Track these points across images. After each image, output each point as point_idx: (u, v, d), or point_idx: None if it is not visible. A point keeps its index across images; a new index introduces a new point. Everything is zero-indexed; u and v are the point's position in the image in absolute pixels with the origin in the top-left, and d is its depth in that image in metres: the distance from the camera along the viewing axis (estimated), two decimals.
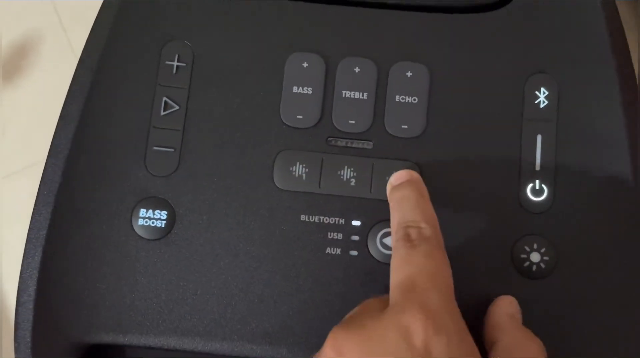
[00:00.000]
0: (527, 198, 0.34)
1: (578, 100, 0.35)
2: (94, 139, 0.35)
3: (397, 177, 0.33)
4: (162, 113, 0.35)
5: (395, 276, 0.29)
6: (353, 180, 0.34)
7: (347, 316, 0.30)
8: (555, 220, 0.33)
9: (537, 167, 0.34)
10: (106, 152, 0.35)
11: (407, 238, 0.29)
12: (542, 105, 0.35)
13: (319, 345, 0.32)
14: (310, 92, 0.35)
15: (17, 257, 0.34)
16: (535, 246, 0.33)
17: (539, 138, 0.34)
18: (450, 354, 0.26)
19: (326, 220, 0.34)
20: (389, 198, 0.33)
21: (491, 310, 0.32)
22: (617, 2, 0.36)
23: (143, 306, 0.33)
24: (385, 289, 0.33)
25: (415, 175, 0.33)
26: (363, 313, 0.29)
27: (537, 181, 0.34)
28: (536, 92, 0.35)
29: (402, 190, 0.32)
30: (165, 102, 0.35)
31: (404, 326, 0.26)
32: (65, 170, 0.34)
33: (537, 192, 0.34)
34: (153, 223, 0.34)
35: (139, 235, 0.34)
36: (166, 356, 0.35)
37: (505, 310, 0.32)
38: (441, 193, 0.34)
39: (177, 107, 0.35)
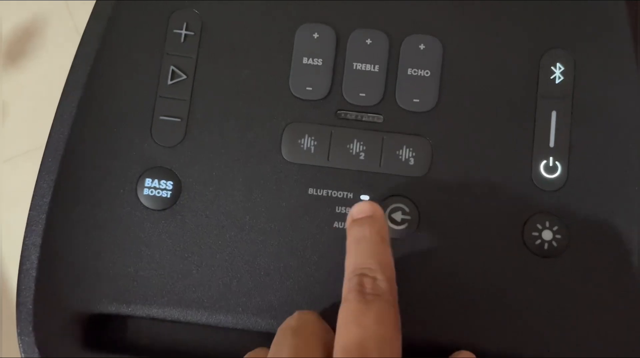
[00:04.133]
0: (540, 175, 0.33)
1: (595, 76, 0.34)
2: (99, 108, 0.34)
3: (359, 210, 0.31)
4: (169, 82, 0.35)
5: (344, 336, 0.27)
6: (362, 154, 0.34)
7: None
8: (568, 198, 0.33)
9: (551, 144, 0.33)
10: (112, 121, 0.34)
11: (360, 290, 0.28)
12: (557, 81, 0.34)
13: (326, 320, 0.32)
14: (320, 64, 0.35)
15: (18, 240, 0.34)
16: (547, 224, 0.32)
17: (554, 114, 0.34)
18: None
19: (334, 194, 0.33)
20: (347, 232, 0.31)
21: None
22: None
23: (147, 277, 0.33)
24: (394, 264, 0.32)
25: (378, 211, 0.31)
26: None
27: (551, 158, 0.33)
28: (552, 68, 0.34)
29: (363, 228, 0.30)
30: (173, 71, 0.35)
31: None
32: (70, 138, 0.34)
33: (551, 169, 0.33)
34: (159, 193, 0.33)
35: (144, 205, 0.33)
36: (169, 329, 0.34)
37: None
38: (452, 169, 0.33)
39: (184, 77, 0.35)
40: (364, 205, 0.31)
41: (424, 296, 0.32)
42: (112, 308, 0.32)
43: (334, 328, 0.28)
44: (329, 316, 0.32)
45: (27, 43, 0.89)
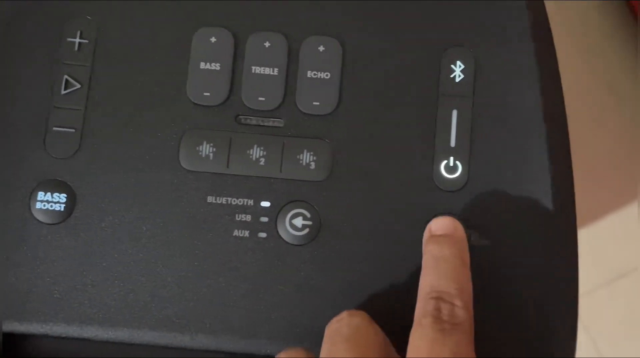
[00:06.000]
0: (441, 175, 0.33)
1: (495, 75, 0.34)
2: None
3: (440, 226, 0.31)
4: (63, 92, 0.34)
5: None
6: (263, 159, 0.33)
7: None
8: (469, 198, 0.32)
9: (452, 144, 0.33)
10: (4, 133, 0.33)
11: (437, 315, 0.27)
12: (458, 79, 0.34)
13: (223, 331, 0.31)
14: (218, 68, 0.34)
15: None
16: None
17: (455, 113, 0.33)
18: None
19: (234, 201, 0.33)
20: (424, 247, 0.31)
21: None
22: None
23: (42, 293, 0.32)
24: (294, 271, 0.32)
25: (460, 230, 0.30)
26: None
27: (451, 158, 0.33)
28: (452, 66, 0.34)
29: (442, 247, 0.29)
30: (67, 80, 0.34)
31: None
32: None
33: (451, 169, 0.33)
34: (52, 206, 0.32)
35: (37, 219, 0.32)
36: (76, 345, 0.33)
37: None
38: (354, 172, 0.33)
39: (78, 86, 0.34)
40: (445, 221, 0.31)
41: (328, 303, 0.32)
42: (6, 326, 0.31)
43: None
44: (233, 327, 0.32)
45: None
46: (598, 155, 0.98)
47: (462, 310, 0.28)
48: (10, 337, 0.32)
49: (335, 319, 0.29)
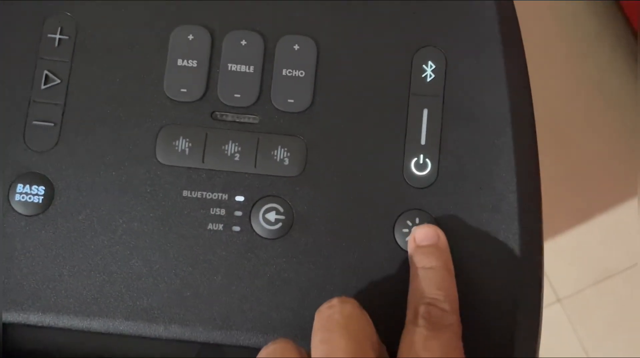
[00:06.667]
0: (411, 172, 0.34)
1: (465, 75, 0.34)
2: None
3: (424, 236, 0.32)
4: (43, 87, 0.34)
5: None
6: (238, 155, 0.34)
7: None
8: (438, 195, 0.33)
9: (422, 142, 0.34)
10: None
11: (428, 318, 0.29)
12: (429, 79, 0.34)
13: (196, 322, 0.32)
14: (195, 65, 0.35)
15: None
16: (417, 221, 0.33)
17: (425, 112, 0.34)
18: None
19: (209, 195, 0.34)
20: (410, 257, 0.32)
21: None
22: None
23: (19, 284, 0.32)
24: (266, 264, 0.32)
25: (443, 238, 0.32)
26: None
27: (421, 155, 0.34)
28: (423, 66, 0.35)
29: (430, 259, 0.31)
30: (47, 75, 0.34)
31: None
32: None
33: (421, 167, 0.34)
34: (30, 198, 0.33)
35: (16, 211, 0.33)
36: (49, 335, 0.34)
37: None
38: (326, 168, 0.34)
39: (58, 81, 0.34)
40: (429, 231, 0.32)
41: (299, 297, 0.32)
42: None
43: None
44: (206, 318, 0.32)
45: None
46: (587, 155, 0.98)
47: (450, 314, 0.30)
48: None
49: (325, 306, 0.29)
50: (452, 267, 0.31)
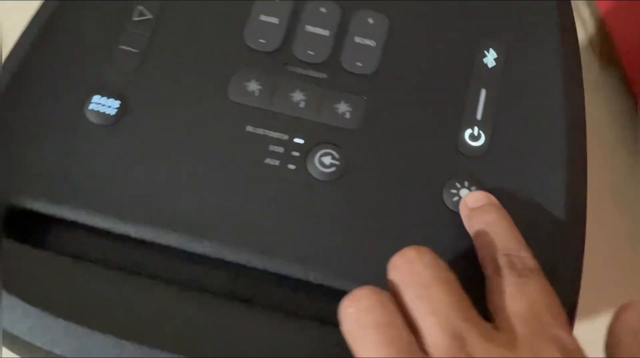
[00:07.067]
0: (465, 142, 0.35)
1: (523, 67, 0.37)
2: (66, 26, 0.37)
3: (476, 199, 0.32)
4: (135, 18, 0.37)
5: (512, 306, 0.27)
6: (303, 102, 0.36)
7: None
8: (487, 165, 0.35)
9: (478, 117, 0.36)
10: (75, 42, 0.37)
11: (512, 267, 0.28)
12: (490, 65, 0.37)
13: (244, 242, 0.33)
14: (276, 22, 0.38)
15: None
16: (465, 184, 0.34)
17: (483, 91, 0.36)
18: None
19: (270, 133, 0.35)
20: (467, 221, 0.32)
21: (613, 324, 0.29)
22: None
23: (78, 182, 0.33)
24: (314, 202, 0.33)
25: (494, 199, 0.32)
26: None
27: (476, 127, 0.35)
28: (486, 52, 0.37)
29: (490, 213, 0.31)
30: (140, 10, 0.37)
31: None
32: (31, 50, 0.36)
33: (475, 138, 0.35)
34: (104, 109, 0.35)
35: (88, 119, 0.35)
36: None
37: (628, 324, 0.29)
38: (383, 127, 0.35)
39: (150, 17, 0.37)
40: (479, 194, 0.32)
41: (340, 236, 0.33)
42: (38, 205, 0.33)
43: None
44: (249, 241, 0.33)
45: None
46: None
47: (531, 259, 0.29)
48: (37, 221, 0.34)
49: (402, 260, 0.28)
50: (511, 219, 0.31)
